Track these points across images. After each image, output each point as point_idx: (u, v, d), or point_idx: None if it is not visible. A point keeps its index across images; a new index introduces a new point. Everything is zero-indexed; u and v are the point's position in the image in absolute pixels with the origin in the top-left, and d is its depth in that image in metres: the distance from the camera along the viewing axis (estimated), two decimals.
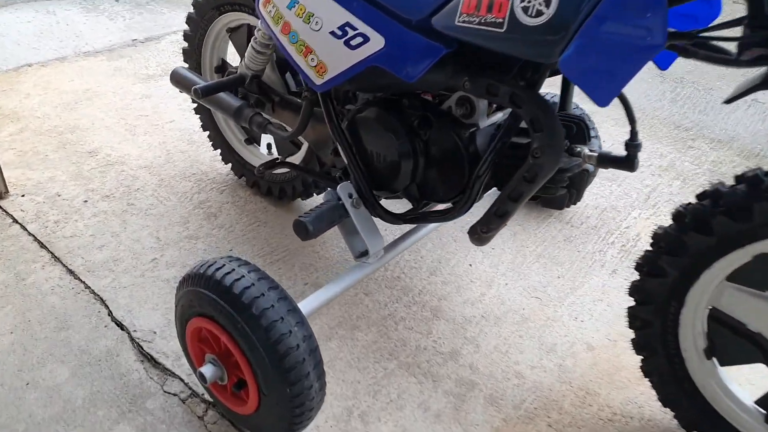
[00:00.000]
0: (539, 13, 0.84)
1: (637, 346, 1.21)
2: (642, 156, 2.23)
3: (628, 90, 0.93)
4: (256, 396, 1.12)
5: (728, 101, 0.91)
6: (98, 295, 1.59)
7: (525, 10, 0.85)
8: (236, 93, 1.60)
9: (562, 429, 1.27)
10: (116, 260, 1.70)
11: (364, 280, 1.65)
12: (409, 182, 1.25)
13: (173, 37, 3.18)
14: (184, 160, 2.17)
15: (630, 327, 1.20)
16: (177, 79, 1.68)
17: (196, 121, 2.37)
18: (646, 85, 2.78)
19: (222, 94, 1.56)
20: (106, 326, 1.50)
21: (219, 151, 2.02)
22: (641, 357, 1.21)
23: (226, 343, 1.10)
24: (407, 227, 1.50)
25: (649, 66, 0.92)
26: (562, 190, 1.20)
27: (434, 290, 1.62)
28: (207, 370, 1.14)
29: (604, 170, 2.14)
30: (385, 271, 1.68)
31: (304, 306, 1.20)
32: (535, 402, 1.33)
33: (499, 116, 1.22)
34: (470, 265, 1.71)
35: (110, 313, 1.54)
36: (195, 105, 1.99)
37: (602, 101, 0.82)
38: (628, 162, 1.12)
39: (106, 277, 1.64)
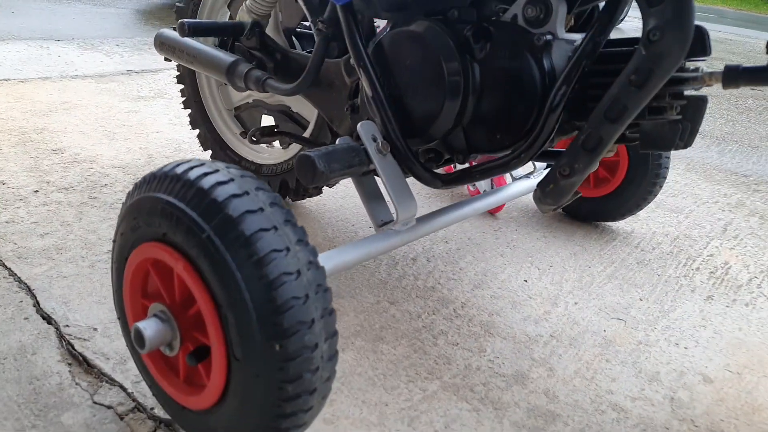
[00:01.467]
0: None
1: None
2: (704, 195, 1.92)
3: None
4: (224, 368, 0.68)
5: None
6: (25, 284, 1.16)
7: None
8: (231, 50, 1.33)
9: None
10: (60, 249, 1.29)
11: (388, 287, 1.24)
12: (453, 125, 0.92)
13: (173, 72, 2.95)
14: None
15: None
16: (162, 40, 1.38)
17: (187, 134, 2.06)
18: None
19: (213, 50, 1.27)
20: (26, 318, 1.06)
21: (210, 152, 1.69)
22: None
23: (182, 275, 0.68)
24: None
25: None
26: (675, 116, 0.87)
27: (482, 304, 1.21)
28: (148, 325, 0.70)
29: (664, 198, 1.82)
30: (415, 281, 1.28)
31: None
32: None
33: (577, 37, 0.92)
34: (525, 280, 1.31)
35: (36, 304, 1.10)
36: (188, 111, 1.68)
37: None
38: None
39: (41, 266, 1.22)
